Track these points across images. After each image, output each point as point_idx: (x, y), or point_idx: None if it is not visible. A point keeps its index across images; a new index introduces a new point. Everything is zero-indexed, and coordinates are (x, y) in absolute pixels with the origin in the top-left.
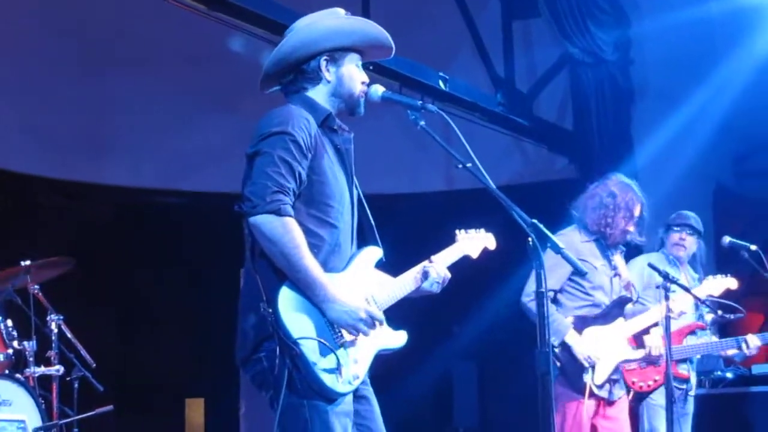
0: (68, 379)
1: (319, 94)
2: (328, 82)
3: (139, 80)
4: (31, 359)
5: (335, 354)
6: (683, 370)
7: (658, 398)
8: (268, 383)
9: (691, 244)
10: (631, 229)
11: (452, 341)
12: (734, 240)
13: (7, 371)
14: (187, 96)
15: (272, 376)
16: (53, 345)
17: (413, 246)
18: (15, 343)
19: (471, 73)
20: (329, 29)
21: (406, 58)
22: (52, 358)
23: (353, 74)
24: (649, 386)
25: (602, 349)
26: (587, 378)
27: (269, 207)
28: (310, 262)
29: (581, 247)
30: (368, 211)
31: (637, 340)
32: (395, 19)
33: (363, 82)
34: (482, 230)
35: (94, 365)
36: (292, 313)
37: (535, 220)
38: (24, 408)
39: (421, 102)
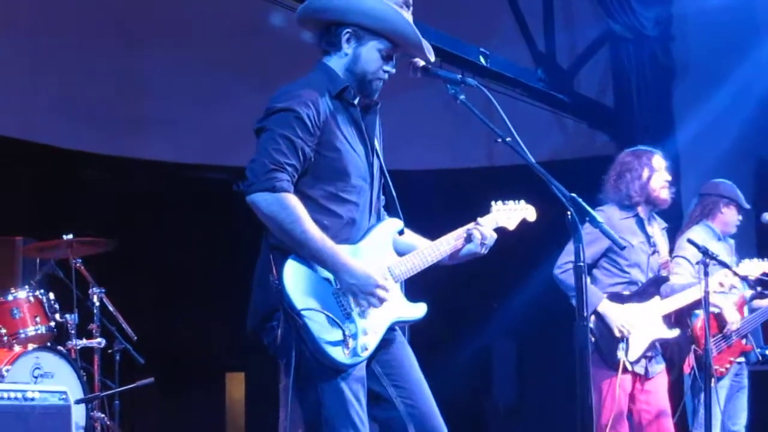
0: (110, 351)
1: (337, 64)
2: (345, 55)
3: (179, 56)
4: (72, 332)
5: (340, 326)
6: (748, 343)
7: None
8: (280, 352)
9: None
10: (660, 186)
11: (492, 318)
12: None
13: (49, 343)
14: (226, 71)
15: (282, 346)
16: (95, 318)
17: (451, 220)
18: (57, 316)
19: (512, 48)
20: (364, 6)
21: (447, 34)
22: (94, 331)
23: (371, 57)
24: (726, 369)
25: (637, 325)
26: (620, 353)
27: (264, 185)
28: (313, 234)
29: (619, 224)
30: (390, 184)
31: (674, 319)
32: None
33: (384, 70)
34: (522, 201)
35: (135, 338)
36: (297, 285)
37: (574, 195)
38: (66, 380)
39: (461, 76)
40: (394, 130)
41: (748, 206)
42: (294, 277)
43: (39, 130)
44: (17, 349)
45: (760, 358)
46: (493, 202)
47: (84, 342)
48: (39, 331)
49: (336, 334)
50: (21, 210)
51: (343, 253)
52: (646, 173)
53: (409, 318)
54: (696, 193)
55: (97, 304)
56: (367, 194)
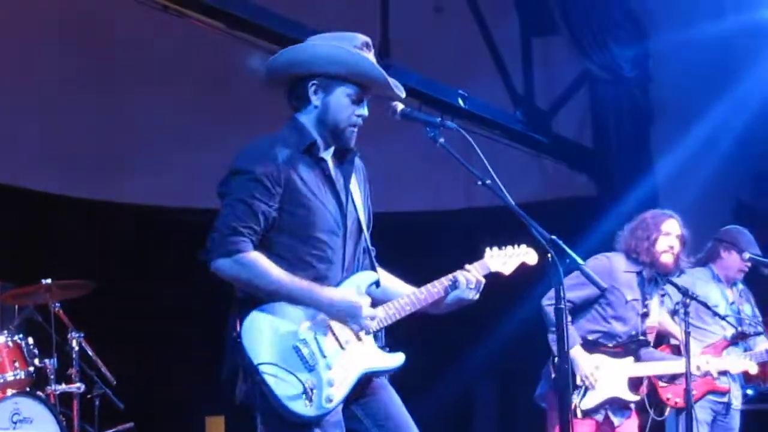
0: (89, 396)
1: (308, 118)
2: (315, 107)
3: (158, 99)
4: (52, 377)
5: (299, 379)
6: (722, 383)
7: (697, 413)
8: (246, 409)
9: None
10: (662, 250)
11: (472, 359)
12: (755, 256)
13: (28, 388)
14: (206, 113)
15: (246, 403)
16: (74, 362)
17: (431, 262)
18: (36, 361)
19: (490, 90)
20: (324, 55)
21: (425, 76)
22: (73, 376)
23: (341, 104)
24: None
25: (601, 378)
26: (575, 398)
27: (221, 251)
28: (282, 278)
29: (621, 275)
30: (367, 236)
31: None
32: (414, 36)
33: (357, 115)
34: (523, 246)
35: (115, 383)
36: (256, 340)
37: (554, 237)
38: (45, 425)
39: (440, 119)
40: (373, 173)
41: (748, 254)
42: (254, 332)
43: (18, 173)
44: None
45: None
46: (487, 249)
47: (63, 387)
48: (18, 377)
49: (296, 387)
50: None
51: (319, 286)
52: (654, 235)
53: (383, 368)
54: None
55: (76, 348)
56: (340, 249)
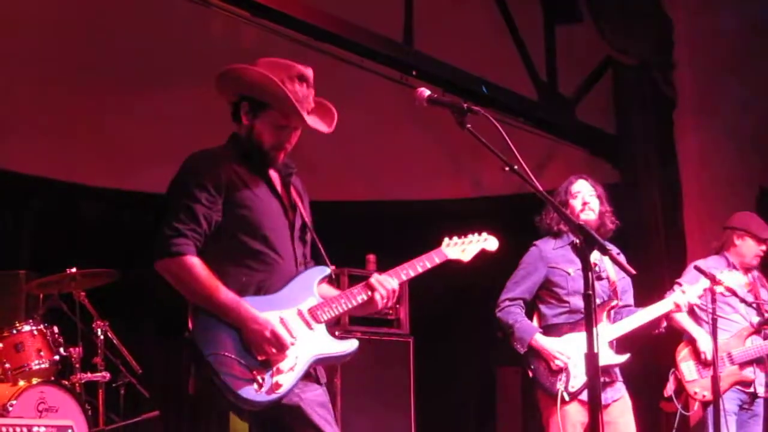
0: (114, 385)
1: (244, 133)
2: (247, 126)
3: (180, 88)
4: (77, 365)
5: (247, 366)
6: (748, 372)
7: (724, 404)
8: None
9: None
10: (579, 210)
11: (496, 346)
12: None
13: (53, 377)
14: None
15: (199, 396)
16: (99, 351)
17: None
18: (61, 350)
19: (513, 77)
20: (254, 80)
21: (449, 64)
22: (98, 365)
23: (265, 130)
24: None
25: (576, 353)
26: (559, 385)
27: (164, 252)
28: (214, 291)
29: (552, 254)
30: (314, 234)
31: (626, 344)
32: (437, 24)
33: (280, 142)
34: (483, 234)
35: (140, 371)
36: (206, 333)
37: (581, 223)
38: (70, 414)
39: (467, 105)
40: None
41: (764, 236)
42: (204, 327)
43: (42, 164)
44: (22, 383)
45: None
46: (445, 238)
47: (88, 376)
48: (43, 365)
49: (245, 374)
50: (23, 243)
51: (245, 305)
52: (564, 199)
53: (334, 353)
54: (697, 219)
55: (102, 337)
56: (289, 245)
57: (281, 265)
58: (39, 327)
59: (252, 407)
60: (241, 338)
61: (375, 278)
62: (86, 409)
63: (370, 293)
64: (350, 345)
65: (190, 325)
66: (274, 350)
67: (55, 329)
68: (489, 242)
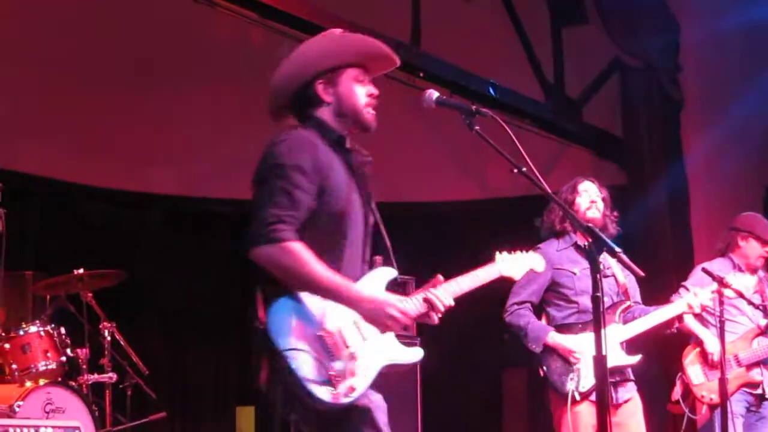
0: (121, 386)
1: (326, 115)
2: (329, 104)
3: (185, 90)
4: (84, 366)
5: (325, 365)
6: (755, 374)
7: (732, 406)
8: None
9: None
10: (586, 207)
11: (502, 348)
12: None
13: (60, 378)
14: (229, 104)
15: (269, 396)
16: (106, 352)
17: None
18: (68, 351)
19: (520, 80)
20: (317, 53)
21: (456, 66)
22: (105, 366)
23: (351, 90)
24: (720, 397)
25: (588, 353)
26: (570, 384)
27: (264, 238)
28: (324, 273)
29: (556, 256)
30: (384, 234)
31: (637, 345)
32: (445, 26)
33: (370, 95)
34: (530, 252)
35: (147, 372)
36: (281, 327)
37: (590, 225)
38: (77, 415)
39: (475, 107)
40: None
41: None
42: (280, 319)
43: (49, 165)
44: (29, 384)
45: None
46: (497, 253)
47: (95, 377)
48: (50, 366)
49: (320, 375)
50: (29, 244)
51: (352, 285)
52: (571, 197)
53: (402, 361)
54: (704, 221)
55: (108, 338)
56: (361, 240)
57: (354, 261)
58: (46, 328)
59: (325, 408)
60: (318, 333)
61: (433, 294)
62: (93, 410)
63: (425, 307)
64: (416, 353)
65: (261, 315)
66: (396, 323)
67: (62, 330)
68: (537, 262)
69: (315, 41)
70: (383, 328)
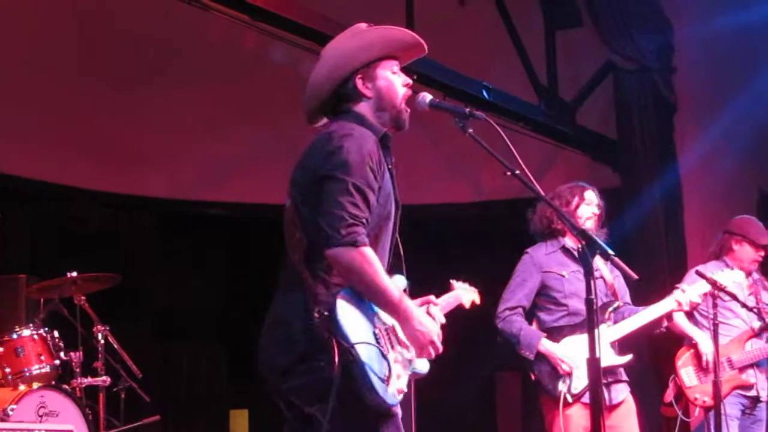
0: (115, 389)
1: (366, 110)
2: (369, 98)
3: (178, 92)
4: (77, 370)
5: (387, 362)
6: (748, 376)
7: (726, 409)
8: (316, 395)
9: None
10: (586, 217)
11: (495, 351)
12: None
13: (54, 382)
14: (223, 106)
15: (323, 387)
16: (99, 356)
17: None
18: (62, 354)
19: (514, 82)
20: (354, 48)
21: (450, 68)
22: (99, 369)
23: (391, 83)
24: (713, 400)
25: (578, 356)
26: (561, 386)
27: (345, 240)
28: (389, 285)
29: (544, 259)
30: (398, 239)
31: (627, 344)
32: (439, 30)
33: (405, 85)
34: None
35: (141, 376)
36: (348, 320)
37: (584, 227)
38: (71, 418)
39: (469, 110)
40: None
41: (762, 242)
42: (346, 311)
43: (43, 168)
44: (22, 388)
45: None
46: (452, 281)
47: (89, 380)
48: (44, 370)
49: (384, 370)
50: (23, 247)
51: (412, 304)
52: (574, 202)
53: (421, 371)
54: (698, 224)
55: (102, 341)
56: (389, 246)
57: (385, 262)
58: (39, 331)
59: (379, 406)
60: (374, 331)
61: (435, 311)
62: (87, 413)
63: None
64: (427, 365)
65: (320, 305)
66: (432, 352)
67: (56, 333)
68: (476, 296)
69: (345, 37)
70: (419, 351)
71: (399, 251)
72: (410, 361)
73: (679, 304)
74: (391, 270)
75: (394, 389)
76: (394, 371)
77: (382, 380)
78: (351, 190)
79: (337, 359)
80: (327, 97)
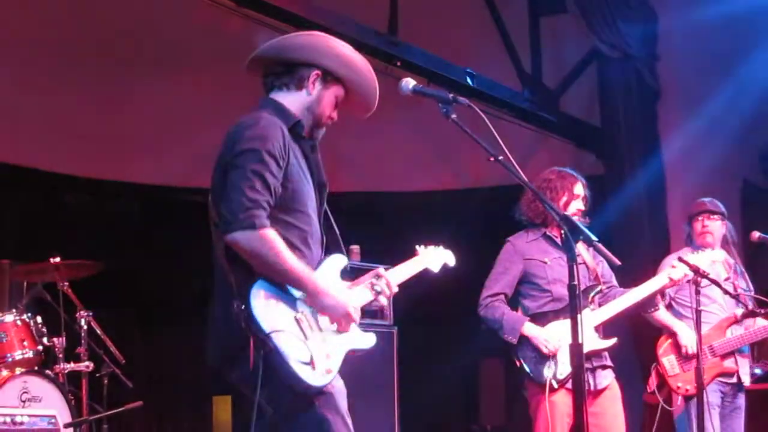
0: (98, 375)
1: (293, 101)
2: (308, 94)
3: (163, 79)
4: (60, 355)
5: (306, 346)
6: (729, 363)
7: (708, 397)
8: (249, 386)
9: (717, 228)
10: (572, 214)
11: (479, 337)
12: (764, 235)
13: (36, 367)
14: (209, 92)
15: (252, 378)
16: (82, 341)
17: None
18: (45, 340)
19: (498, 69)
20: (336, 54)
21: (434, 54)
22: (82, 355)
23: (331, 103)
24: (696, 388)
25: (563, 340)
26: (547, 372)
27: (243, 223)
28: (294, 263)
29: (526, 247)
30: (332, 219)
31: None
32: (422, 15)
33: (331, 117)
34: (440, 247)
35: (123, 362)
36: (264, 309)
37: (567, 214)
38: (54, 404)
39: (452, 95)
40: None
41: (692, 211)
42: (261, 302)
43: (27, 153)
44: (5, 373)
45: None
46: (417, 246)
47: (72, 366)
48: (26, 355)
49: (304, 356)
50: (7, 233)
51: (322, 279)
52: (565, 197)
53: (362, 347)
54: (681, 212)
55: (85, 327)
56: (317, 225)
57: (313, 248)
58: (22, 317)
59: (306, 390)
60: (295, 316)
61: (384, 285)
62: (69, 399)
63: (374, 295)
64: (371, 340)
65: (238, 298)
66: (347, 324)
67: (39, 319)
68: (449, 257)
69: (340, 42)
70: (337, 325)
71: (334, 230)
72: (346, 339)
73: (673, 280)
74: (328, 249)
75: (322, 369)
76: (320, 352)
77: (306, 363)
78: (248, 175)
79: (253, 351)
80: (281, 60)
